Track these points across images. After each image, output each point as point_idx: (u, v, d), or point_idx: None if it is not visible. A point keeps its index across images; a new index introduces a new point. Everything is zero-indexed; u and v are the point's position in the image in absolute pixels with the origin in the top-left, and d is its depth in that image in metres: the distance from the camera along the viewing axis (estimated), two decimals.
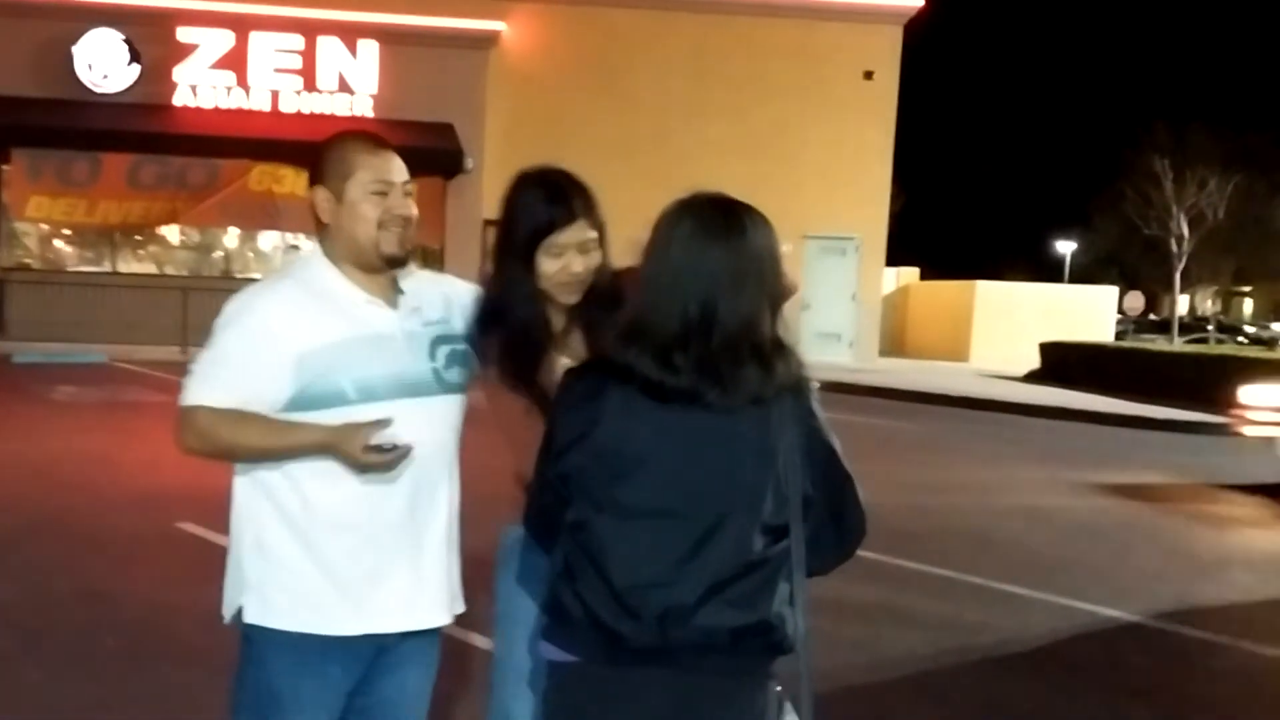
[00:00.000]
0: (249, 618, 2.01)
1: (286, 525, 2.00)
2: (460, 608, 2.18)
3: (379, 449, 1.90)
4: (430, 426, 2.05)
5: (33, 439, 8.73)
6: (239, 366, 1.96)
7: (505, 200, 2.21)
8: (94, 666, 4.05)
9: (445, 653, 2.25)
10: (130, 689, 3.85)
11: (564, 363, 2.14)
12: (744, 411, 1.66)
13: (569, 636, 1.70)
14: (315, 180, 2.06)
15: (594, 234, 2.16)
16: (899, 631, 4.81)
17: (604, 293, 2.16)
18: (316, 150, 2.09)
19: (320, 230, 2.08)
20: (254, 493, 2.02)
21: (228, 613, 2.05)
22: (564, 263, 2.13)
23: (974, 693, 4.17)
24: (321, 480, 1.97)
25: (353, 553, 1.99)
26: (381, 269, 2.06)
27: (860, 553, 1.84)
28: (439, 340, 2.10)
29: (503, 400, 2.16)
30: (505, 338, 2.14)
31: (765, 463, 1.67)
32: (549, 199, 2.14)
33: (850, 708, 3.85)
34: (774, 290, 1.70)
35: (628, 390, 1.65)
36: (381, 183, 2.03)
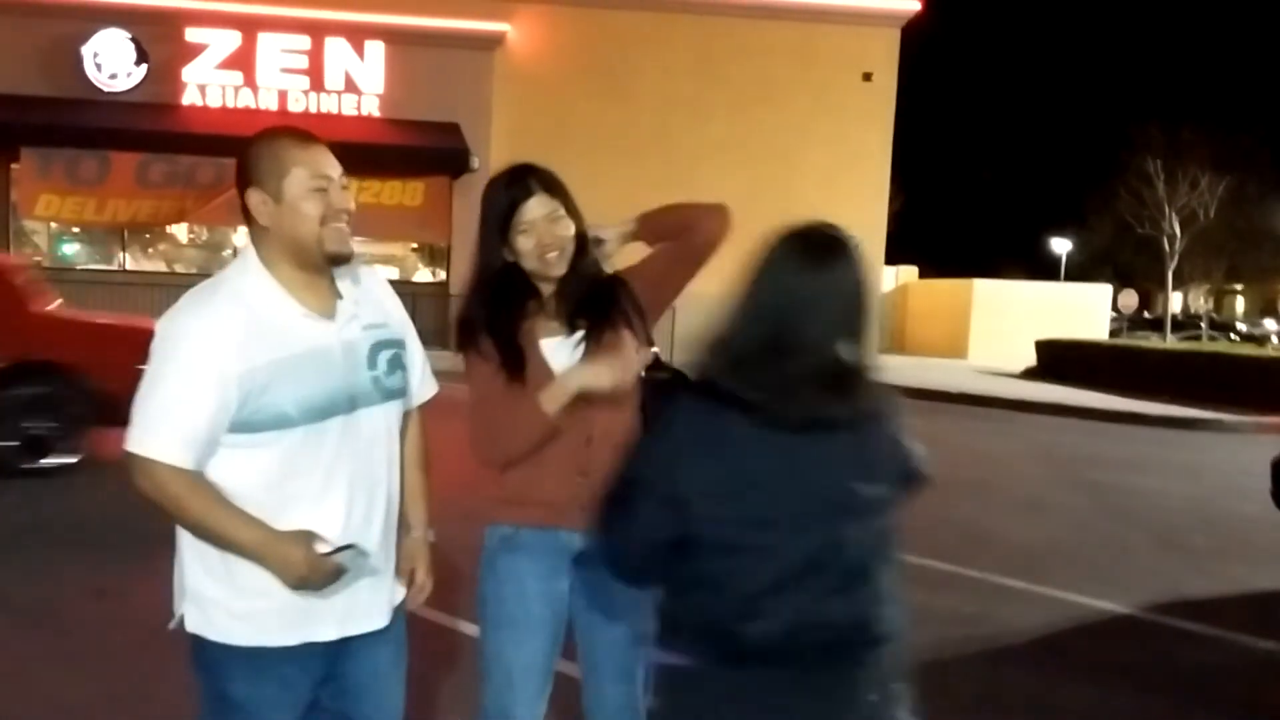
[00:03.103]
0: (191, 627, 1.99)
1: None
2: (400, 597, 2.17)
3: (332, 556, 1.89)
4: (371, 434, 2.03)
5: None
6: (184, 409, 1.86)
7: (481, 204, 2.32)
8: (104, 662, 4.04)
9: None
10: (140, 685, 3.84)
11: (551, 328, 2.28)
12: (840, 434, 1.73)
13: (686, 642, 1.75)
14: (248, 183, 1.95)
15: (557, 203, 2.26)
16: None
17: (587, 272, 2.31)
18: (242, 151, 1.99)
19: (255, 233, 1.98)
20: None
21: (174, 617, 2.03)
22: (536, 236, 2.23)
23: (971, 684, 4.17)
24: (259, 496, 1.92)
25: None
26: (323, 268, 1.99)
27: None
28: (379, 346, 2.05)
29: (477, 386, 2.24)
30: (486, 308, 2.26)
31: (866, 480, 1.74)
32: (506, 184, 2.27)
33: None
34: (854, 320, 1.74)
35: (729, 412, 1.69)
36: (320, 178, 1.94)
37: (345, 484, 1.97)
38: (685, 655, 1.76)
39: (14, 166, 17.43)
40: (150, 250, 19.10)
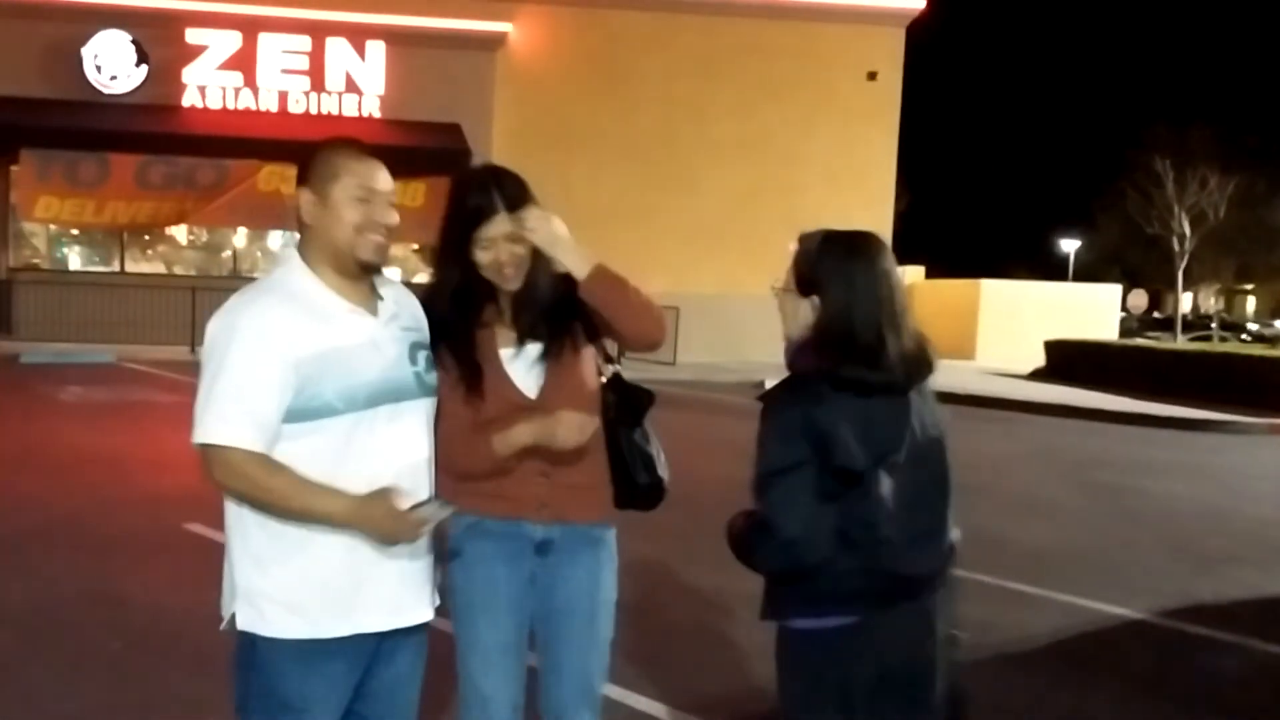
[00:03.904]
0: (242, 625, 2.02)
1: (275, 533, 2.00)
2: (437, 599, 2.23)
3: (415, 510, 1.96)
4: (415, 429, 2.11)
5: (41, 439, 8.69)
6: (252, 393, 1.94)
7: (446, 201, 2.30)
8: (100, 669, 4.03)
9: (431, 641, 2.27)
10: (137, 692, 3.83)
11: (510, 338, 2.29)
12: (923, 391, 2.12)
13: (840, 603, 2.00)
14: (302, 182, 2.08)
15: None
16: None
17: (547, 284, 2.29)
18: (307, 153, 2.12)
19: (301, 232, 2.10)
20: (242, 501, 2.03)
21: (224, 618, 2.08)
22: (494, 254, 2.24)
23: (980, 690, 4.01)
24: None
25: (343, 558, 2.01)
26: (357, 275, 2.08)
27: None
28: (417, 346, 2.15)
29: (439, 394, 2.23)
30: (440, 318, 2.26)
31: (940, 424, 2.15)
32: (472, 192, 2.25)
33: None
34: (904, 292, 2.12)
35: (843, 394, 1.99)
36: (365, 189, 2.04)
37: (393, 475, 2.03)
38: (835, 615, 2.01)
39: (13, 168, 17.42)
40: (149, 252, 19.11)
